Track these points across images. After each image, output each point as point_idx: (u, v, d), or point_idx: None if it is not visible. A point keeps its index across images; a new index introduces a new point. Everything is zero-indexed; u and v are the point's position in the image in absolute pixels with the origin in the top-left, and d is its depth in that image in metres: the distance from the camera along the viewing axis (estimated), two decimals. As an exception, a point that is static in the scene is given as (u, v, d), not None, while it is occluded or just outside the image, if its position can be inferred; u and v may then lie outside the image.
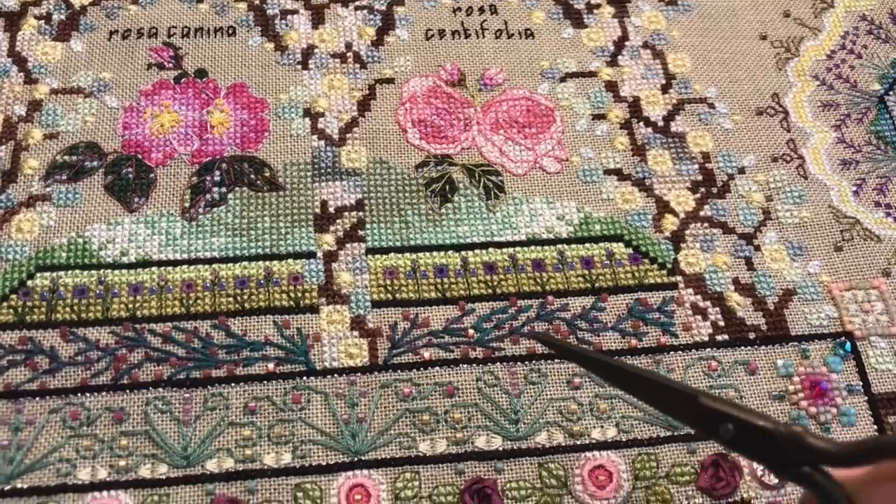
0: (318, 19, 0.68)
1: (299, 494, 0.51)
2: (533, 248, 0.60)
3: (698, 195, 0.63)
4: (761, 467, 0.53)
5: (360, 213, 0.60)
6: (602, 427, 0.54)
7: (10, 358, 0.53)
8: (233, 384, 0.54)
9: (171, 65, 0.65)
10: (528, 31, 0.69)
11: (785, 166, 0.65)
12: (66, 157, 0.60)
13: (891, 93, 0.68)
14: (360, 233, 0.59)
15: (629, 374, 0.37)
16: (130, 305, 0.56)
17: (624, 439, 0.54)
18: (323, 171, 0.61)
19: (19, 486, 0.50)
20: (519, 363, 0.56)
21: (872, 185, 0.64)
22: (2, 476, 0.50)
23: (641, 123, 0.65)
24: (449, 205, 0.61)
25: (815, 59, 0.70)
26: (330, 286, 0.57)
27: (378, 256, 0.59)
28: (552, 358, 0.56)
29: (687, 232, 0.61)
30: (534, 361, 0.56)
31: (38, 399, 0.52)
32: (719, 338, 0.58)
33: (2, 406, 0.52)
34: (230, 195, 0.60)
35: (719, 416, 0.33)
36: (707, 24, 0.71)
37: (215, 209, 0.59)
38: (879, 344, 0.58)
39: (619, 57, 0.68)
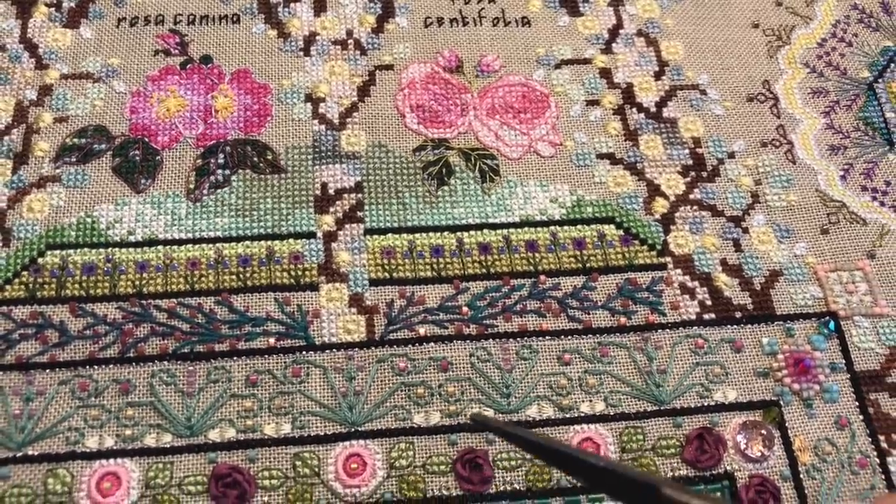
0: (319, 7, 0.70)
1: (298, 463, 0.53)
2: (526, 229, 0.62)
3: (688, 179, 0.64)
4: (745, 440, 0.55)
5: (359, 195, 0.62)
6: (591, 401, 0.56)
7: (22, 332, 0.55)
8: (235, 358, 0.56)
9: (177, 51, 0.67)
10: (525, 19, 0.71)
11: (774, 151, 0.66)
12: (76, 140, 0.62)
13: (880, 80, 0.70)
14: (359, 214, 0.61)
15: (584, 462, 0.32)
16: (137, 282, 0.58)
17: (612, 413, 0.56)
18: (323, 154, 0.63)
19: (30, 452, 0.52)
20: (511, 340, 0.57)
21: (860, 169, 0.66)
22: (14, 443, 0.52)
23: (634, 109, 0.67)
24: (445, 187, 0.63)
25: (806, 47, 0.71)
26: (329, 265, 0.59)
27: (376, 237, 0.61)
28: (543, 335, 0.58)
29: (677, 214, 0.63)
30: (525, 338, 0.58)
31: (48, 371, 0.54)
32: (706, 316, 0.59)
33: (14, 377, 0.54)
34: (233, 177, 0.62)
35: None
36: (700, 13, 0.72)
37: (219, 190, 0.61)
38: (862, 323, 0.60)
39: (614, 44, 0.70)
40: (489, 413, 0.55)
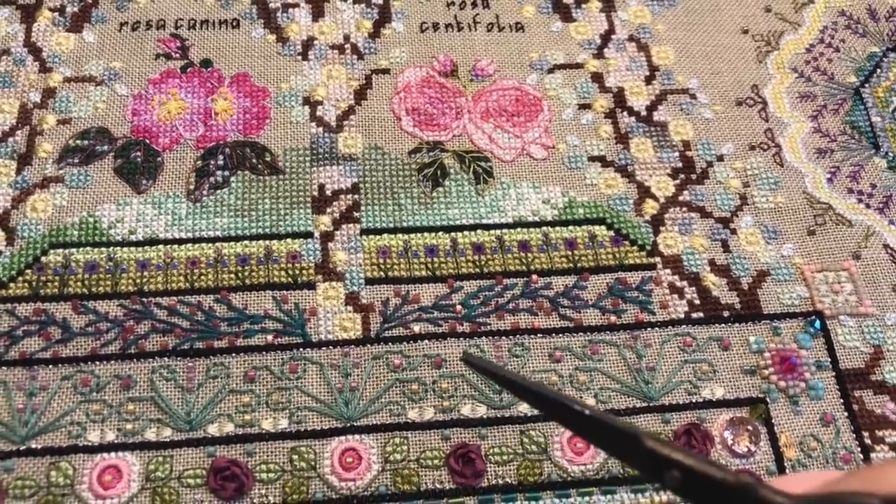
0: (317, 13, 0.71)
1: (295, 457, 0.54)
2: (519, 230, 0.63)
3: (678, 181, 0.66)
4: (732, 436, 0.56)
5: (356, 196, 0.63)
6: (581, 397, 0.57)
7: (26, 328, 0.57)
8: (234, 354, 0.57)
9: (177, 55, 0.68)
10: (519, 25, 0.72)
11: (762, 154, 0.67)
12: (78, 142, 0.64)
13: (866, 85, 0.71)
14: (356, 214, 0.63)
15: (569, 408, 0.32)
16: (138, 280, 0.59)
17: (602, 409, 0.57)
18: (321, 156, 0.65)
19: (33, 446, 0.53)
20: (504, 337, 0.59)
21: (846, 172, 0.67)
22: (17, 437, 0.53)
23: (625, 113, 0.68)
24: (440, 189, 0.64)
25: (795, 53, 0.73)
26: (326, 264, 0.61)
27: (372, 237, 0.62)
28: (535, 333, 0.59)
29: (666, 216, 0.64)
30: (518, 336, 0.59)
31: (51, 367, 0.56)
32: (695, 315, 0.60)
33: (17, 373, 0.55)
34: (233, 178, 0.63)
35: (665, 460, 0.29)
36: (691, 19, 0.74)
37: (219, 191, 0.63)
38: (848, 323, 0.61)
39: (606, 49, 0.72)
40: (481, 409, 0.56)
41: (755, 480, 0.28)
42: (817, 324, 0.61)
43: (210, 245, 0.61)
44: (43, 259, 0.59)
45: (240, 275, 0.60)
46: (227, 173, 0.63)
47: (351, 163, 0.64)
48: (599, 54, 0.71)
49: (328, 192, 0.63)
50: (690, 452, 0.30)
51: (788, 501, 0.28)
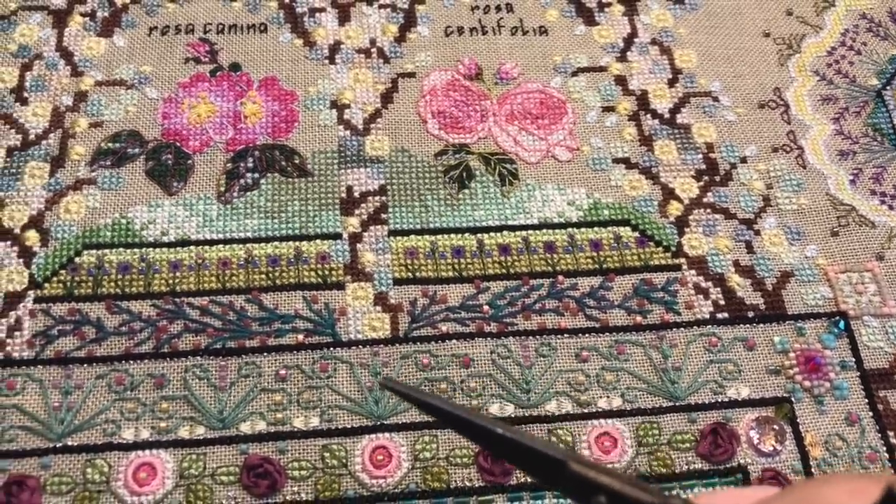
0: (344, 17, 0.72)
1: (326, 454, 0.55)
2: (545, 231, 0.64)
3: (702, 183, 0.66)
4: (758, 435, 0.57)
5: (383, 198, 0.64)
6: (608, 397, 0.58)
7: (60, 328, 0.58)
8: (265, 353, 0.58)
9: (206, 59, 0.69)
10: (543, 28, 0.73)
11: (785, 156, 0.68)
12: (110, 144, 0.65)
13: (888, 87, 0.71)
14: (383, 216, 0.63)
15: (490, 431, 0.30)
16: (170, 281, 0.60)
17: (628, 408, 0.57)
18: (348, 158, 0.65)
19: (70, 443, 0.54)
20: (531, 337, 0.59)
21: (869, 174, 0.68)
22: (54, 434, 0.54)
23: (649, 115, 0.69)
24: (466, 190, 0.65)
25: (816, 56, 0.73)
26: (355, 265, 0.61)
27: (399, 238, 0.63)
28: (561, 333, 0.60)
29: (691, 217, 0.65)
30: (544, 336, 0.59)
31: (85, 365, 0.57)
32: (720, 316, 0.61)
33: (53, 371, 0.56)
34: (262, 180, 0.64)
35: (591, 486, 0.28)
36: (713, 22, 0.74)
37: (249, 193, 0.64)
38: (872, 323, 0.61)
39: (629, 53, 0.72)
40: (510, 408, 0.57)
41: (682, 502, 0.27)
42: (841, 324, 0.61)
43: (241, 246, 0.61)
44: (77, 260, 0.60)
45: (270, 275, 0.61)
46: (256, 175, 0.64)
47: (378, 165, 0.65)
48: (622, 57, 0.72)
49: (356, 194, 0.64)
50: (618, 474, 0.29)
51: None
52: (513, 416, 0.57)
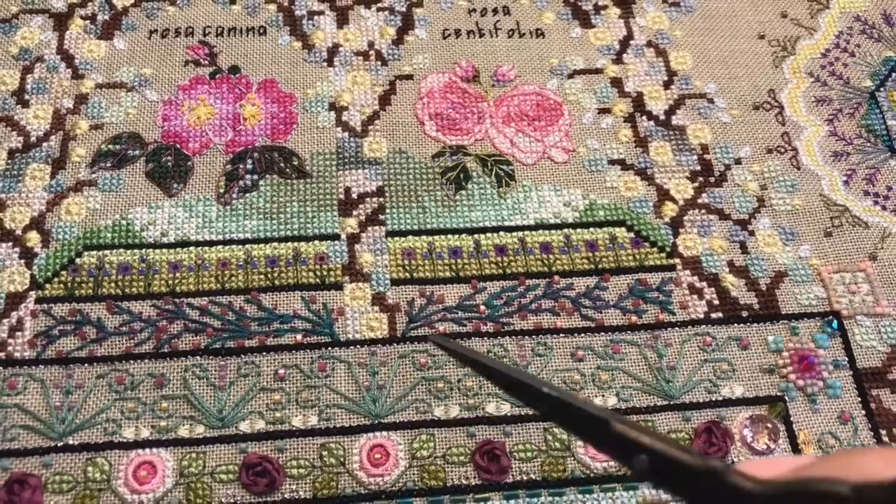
0: (342, 20, 0.73)
1: (324, 453, 0.55)
2: (541, 231, 0.64)
3: (696, 184, 0.67)
4: (752, 434, 0.57)
5: (381, 199, 0.65)
6: (603, 396, 0.58)
7: (61, 328, 0.58)
8: (264, 353, 0.58)
9: (206, 62, 0.70)
10: (539, 31, 0.73)
11: (779, 157, 0.69)
12: (111, 146, 0.65)
13: (882, 89, 0.72)
14: (381, 217, 0.64)
15: (536, 390, 0.31)
16: (170, 281, 0.61)
17: (623, 407, 0.58)
18: (347, 160, 0.66)
19: (71, 442, 0.55)
20: (527, 337, 0.60)
21: (862, 175, 0.68)
22: (55, 433, 0.55)
23: (644, 117, 0.70)
24: (463, 192, 0.66)
25: (811, 58, 0.74)
26: (353, 265, 0.62)
27: (397, 239, 0.63)
28: (557, 333, 0.60)
29: (685, 218, 0.65)
30: (540, 335, 0.60)
31: (86, 365, 0.57)
32: (714, 315, 0.62)
33: (54, 371, 0.57)
34: (261, 182, 0.65)
35: (633, 444, 0.29)
36: (708, 25, 0.75)
37: (248, 194, 0.64)
38: (865, 322, 0.62)
39: (624, 55, 0.73)
40: (506, 407, 0.57)
41: (724, 465, 0.28)
42: (834, 324, 0.62)
43: (240, 247, 0.62)
44: (77, 261, 0.61)
45: (269, 276, 0.61)
46: (255, 177, 0.65)
47: (376, 166, 0.66)
48: (618, 59, 0.72)
49: (354, 196, 0.65)
50: (660, 436, 0.29)
51: (756, 486, 0.27)
52: (509, 414, 0.57)
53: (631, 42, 0.73)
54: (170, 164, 0.65)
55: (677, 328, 0.61)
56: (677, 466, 0.28)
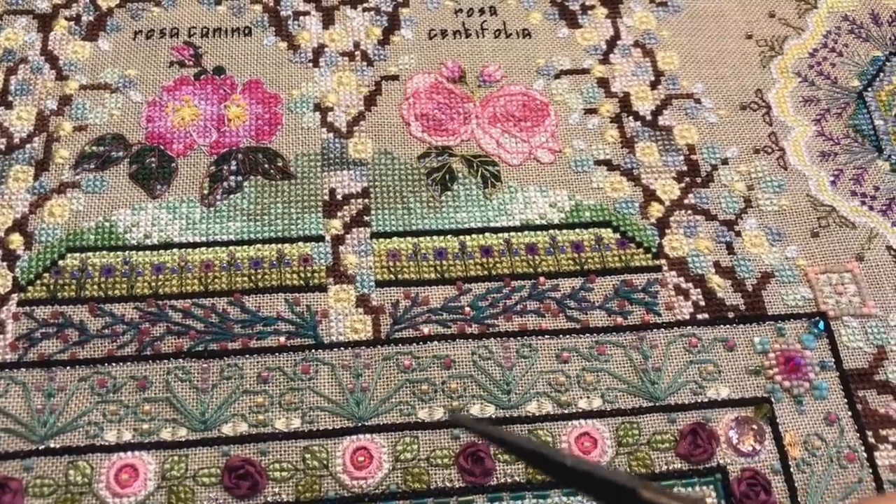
0: (328, 20, 0.72)
1: (307, 456, 0.55)
2: (526, 233, 0.64)
3: (683, 184, 0.67)
4: (737, 435, 0.57)
5: (366, 200, 0.64)
6: (588, 398, 0.58)
7: (44, 331, 0.58)
8: (247, 356, 0.58)
9: (191, 62, 0.69)
10: (526, 31, 0.73)
11: (766, 158, 0.68)
12: (94, 148, 0.65)
13: (869, 89, 0.72)
14: (366, 218, 0.64)
15: (562, 464, 0.31)
16: (153, 283, 0.60)
17: (608, 409, 0.58)
18: (332, 161, 0.66)
19: (52, 445, 0.54)
20: (512, 339, 0.60)
21: (849, 175, 0.68)
22: (36, 437, 0.54)
23: (631, 117, 0.69)
24: (449, 193, 0.65)
25: (798, 57, 0.74)
26: (337, 267, 0.62)
27: (382, 240, 0.63)
28: (542, 334, 0.60)
29: (672, 218, 0.65)
30: (525, 337, 0.60)
31: (68, 368, 0.57)
32: (700, 316, 0.61)
33: (36, 374, 0.56)
34: (245, 183, 0.64)
35: None
36: (695, 25, 0.75)
37: (232, 196, 0.64)
38: (851, 323, 0.62)
39: (611, 55, 0.73)
40: (490, 409, 0.57)
41: None
42: (821, 325, 0.62)
43: (223, 249, 0.62)
44: (60, 263, 0.60)
45: (253, 278, 0.61)
46: (240, 178, 0.64)
47: (361, 167, 0.66)
48: (605, 60, 0.72)
49: (339, 197, 0.64)
50: (687, 497, 0.30)
51: None
52: (494, 416, 0.57)
53: (618, 42, 0.73)
54: (154, 165, 0.65)
55: (663, 329, 0.61)
56: None
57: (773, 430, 0.58)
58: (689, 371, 0.59)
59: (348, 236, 0.63)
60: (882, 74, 0.73)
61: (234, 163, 0.65)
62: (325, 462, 0.55)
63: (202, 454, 0.55)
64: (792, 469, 0.57)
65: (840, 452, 0.57)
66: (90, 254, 0.61)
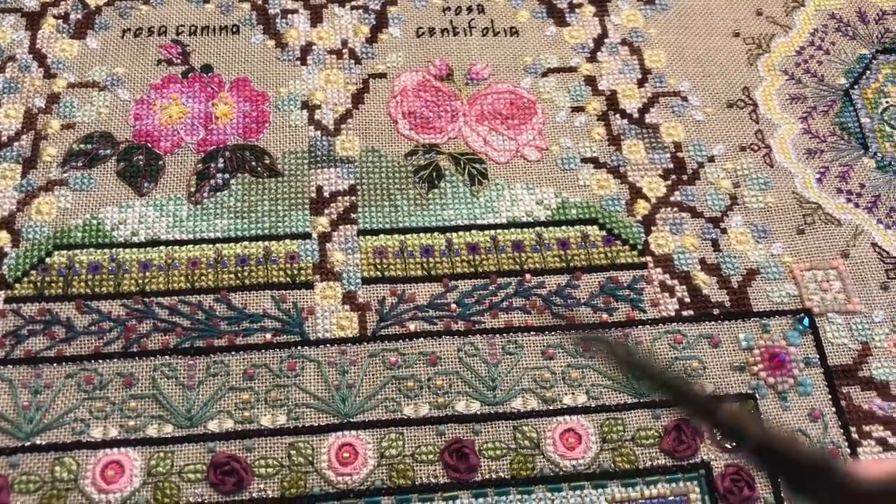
0: (316, 18, 0.73)
1: (293, 452, 0.55)
2: (513, 230, 0.64)
3: (669, 182, 0.67)
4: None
5: (353, 198, 0.65)
6: (573, 394, 0.58)
7: (30, 328, 0.58)
8: (233, 352, 0.58)
9: (179, 60, 0.70)
10: (513, 29, 0.73)
11: (752, 155, 0.69)
12: (82, 146, 0.65)
13: (856, 87, 0.72)
14: (353, 215, 0.64)
15: (656, 373, 0.32)
16: (140, 281, 0.60)
17: (593, 405, 0.58)
18: (319, 158, 0.66)
19: (38, 442, 0.55)
20: (497, 335, 0.60)
21: (835, 172, 0.68)
22: (23, 433, 0.55)
23: (618, 115, 0.70)
24: (436, 190, 0.65)
25: (785, 55, 0.74)
26: (324, 264, 0.62)
27: (369, 237, 0.63)
28: (528, 331, 0.60)
29: (658, 216, 0.65)
30: (511, 334, 0.60)
31: (55, 365, 0.57)
32: (685, 313, 0.62)
33: (23, 371, 0.57)
34: (233, 181, 0.65)
35: (741, 433, 0.29)
36: (683, 22, 0.75)
37: (219, 193, 0.64)
38: (836, 320, 0.62)
39: (599, 53, 0.73)
40: (475, 405, 0.57)
41: (833, 460, 0.28)
42: (806, 321, 0.62)
43: (210, 246, 0.62)
44: (47, 260, 0.61)
45: (239, 275, 0.61)
46: (227, 176, 0.65)
47: (348, 165, 0.66)
48: (592, 58, 0.72)
49: (326, 194, 0.65)
50: (767, 427, 0.29)
51: (866, 482, 0.28)
52: (479, 412, 0.57)
53: (605, 40, 0.73)
54: (141, 163, 0.65)
55: (648, 326, 0.61)
56: (787, 458, 0.29)
57: (757, 426, 0.58)
58: (674, 367, 0.60)
59: (335, 233, 0.63)
60: (868, 72, 0.73)
61: (221, 160, 0.65)
62: (310, 458, 0.55)
63: (188, 450, 0.55)
64: (776, 465, 0.57)
65: (824, 448, 0.58)
66: (77, 251, 0.61)
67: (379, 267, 0.62)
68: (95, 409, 0.56)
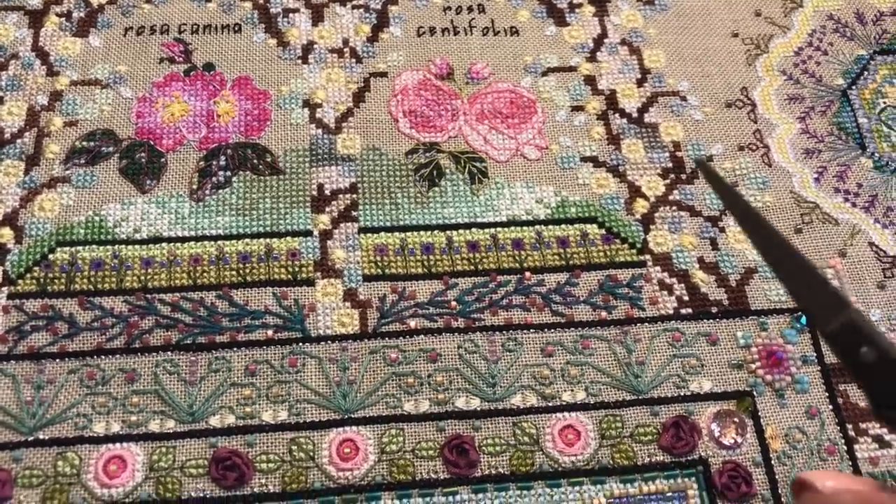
0: (317, 17, 0.73)
1: (294, 448, 0.56)
2: (513, 228, 0.65)
3: (668, 181, 0.67)
4: (719, 428, 0.58)
5: (354, 196, 0.65)
6: (572, 391, 0.59)
7: (33, 324, 0.58)
8: (235, 349, 0.59)
9: (181, 59, 0.70)
10: (514, 29, 0.74)
11: (751, 154, 0.69)
12: (85, 143, 0.65)
13: (853, 87, 0.73)
14: (354, 213, 0.64)
15: (786, 250, 0.30)
16: (142, 277, 0.61)
17: (592, 402, 0.58)
18: (320, 156, 0.66)
19: (41, 437, 0.55)
20: (497, 333, 0.60)
21: (833, 172, 0.69)
22: (26, 428, 0.55)
23: (617, 115, 0.70)
24: (436, 188, 0.66)
25: (784, 56, 0.74)
26: (325, 261, 0.62)
27: (369, 235, 0.64)
28: (528, 328, 0.61)
29: (656, 214, 0.66)
30: (511, 331, 0.60)
31: (58, 361, 0.57)
32: (683, 311, 0.62)
33: (26, 366, 0.57)
34: (234, 178, 0.65)
35: (865, 337, 0.28)
36: (682, 23, 0.75)
37: (221, 191, 0.64)
38: (833, 318, 0.62)
39: (598, 53, 0.73)
40: (475, 402, 0.58)
41: None
42: (803, 319, 0.62)
43: (212, 243, 0.62)
44: (50, 257, 0.61)
45: (241, 272, 0.61)
46: (228, 173, 0.65)
47: (349, 163, 0.66)
48: (592, 58, 0.73)
49: (327, 192, 0.65)
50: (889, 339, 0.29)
51: None
52: (479, 409, 0.57)
53: (605, 40, 0.74)
54: (143, 160, 0.65)
55: (647, 324, 0.61)
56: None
57: (754, 423, 0.59)
58: (673, 365, 0.60)
59: (336, 231, 0.63)
60: (866, 73, 0.73)
61: (223, 158, 0.65)
62: (311, 454, 0.56)
63: (190, 446, 0.55)
64: (773, 462, 0.57)
65: (821, 445, 0.58)
66: (80, 248, 0.61)
67: (380, 264, 0.63)
68: (98, 405, 0.56)
